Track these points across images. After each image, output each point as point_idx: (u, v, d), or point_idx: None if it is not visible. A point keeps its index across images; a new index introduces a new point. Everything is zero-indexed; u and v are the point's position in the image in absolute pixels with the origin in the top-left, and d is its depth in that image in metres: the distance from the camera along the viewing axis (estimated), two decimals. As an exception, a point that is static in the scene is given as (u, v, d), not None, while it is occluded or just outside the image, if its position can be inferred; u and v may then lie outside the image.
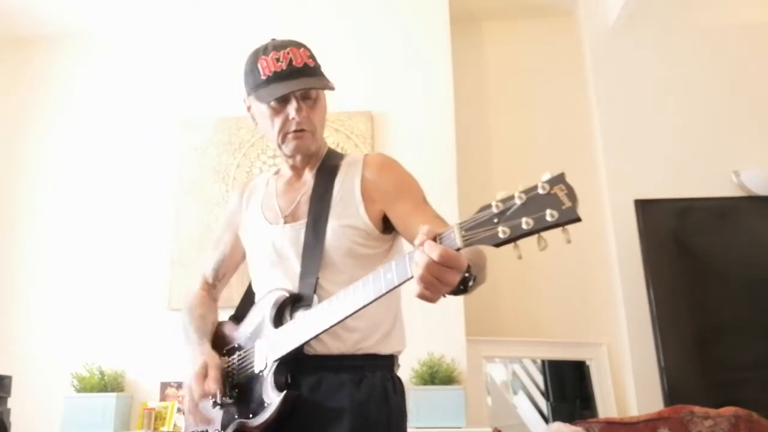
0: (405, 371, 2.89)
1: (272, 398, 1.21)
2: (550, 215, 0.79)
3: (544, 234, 0.82)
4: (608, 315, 3.37)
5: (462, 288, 1.01)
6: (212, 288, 1.56)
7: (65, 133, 3.86)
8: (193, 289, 1.55)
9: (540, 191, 0.81)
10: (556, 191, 0.80)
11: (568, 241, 0.80)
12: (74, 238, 3.65)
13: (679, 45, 3.66)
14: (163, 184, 3.35)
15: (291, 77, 1.30)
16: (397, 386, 1.33)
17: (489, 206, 0.86)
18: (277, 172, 1.50)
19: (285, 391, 1.20)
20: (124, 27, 3.69)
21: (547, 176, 0.82)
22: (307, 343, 1.22)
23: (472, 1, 3.76)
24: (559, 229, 0.81)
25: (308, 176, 1.41)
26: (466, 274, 0.99)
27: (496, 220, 0.85)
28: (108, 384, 2.95)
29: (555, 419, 3.04)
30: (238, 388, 1.31)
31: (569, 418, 2.54)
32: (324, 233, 1.29)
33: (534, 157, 3.65)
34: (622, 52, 3.67)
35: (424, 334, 2.92)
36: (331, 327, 1.15)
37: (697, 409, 2.47)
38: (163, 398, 3.00)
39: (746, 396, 2.71)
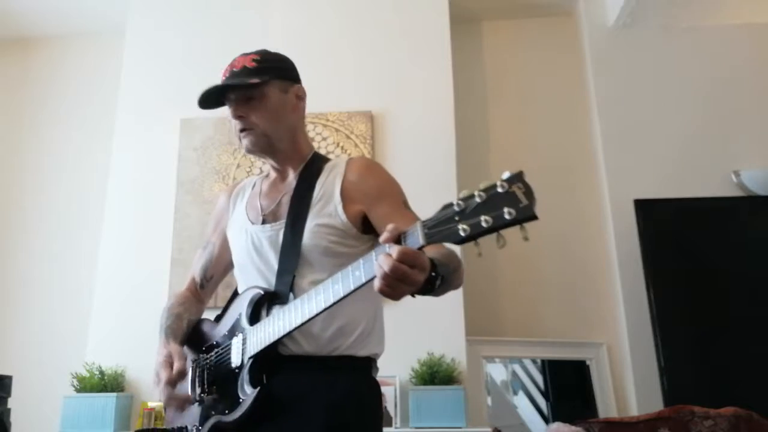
0: (405, 371, 2.89)
1: (247, 394, 1.23)
2: (508, 213, 0.81)
3: (504, 232, 0.84)
4: (608, 315, 3.38)
5: (429, 287, 1.01)
6: (200, 289, 1.58)
7: (65, 133, 3.86)
8: (179, 290, 1.58)
9: (499, 189, 0.83)
10: (514, 189, 0.82)
11: (526, 239, 0.82)
12: (74, 237, 3.65)
13: (679, 45, 3.66)
14: (163, 184, 3.34)
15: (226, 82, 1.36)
16: (373, 389, 1.34)
17: (451, 204, 0.88)
18: (266, 175, 1.52)
19: (258, 388, 1.22)
20: (124, 27, 3.69)
21: (506, 175, 0.84)
22: (280, 340, 1.23)
23: (472, 1, 3.76)
24: (517, 227, 0.82)
25: (292, 177, 1.43)
26: (432, 274, 1.00)
27: (457, 218, 0.86)
28: (108, 384, 2.94)
29: (555, 419, 3.04)
30: (215, 385, 1.32)
31: (569, 418, 2.54)
32: (302, 232, 1.31)
33: (534, 156, 3.65)
34: (622, 51, 3.68)
35: (424, 334, 2.92)
36: (303, 324, 1.16)
37: (697, 409, 2.46)
38: (163, 398, 2.99)
39: (746, 396, 2.71)
